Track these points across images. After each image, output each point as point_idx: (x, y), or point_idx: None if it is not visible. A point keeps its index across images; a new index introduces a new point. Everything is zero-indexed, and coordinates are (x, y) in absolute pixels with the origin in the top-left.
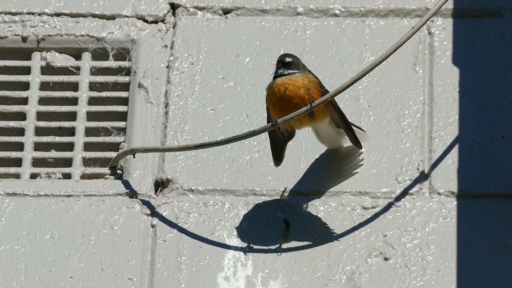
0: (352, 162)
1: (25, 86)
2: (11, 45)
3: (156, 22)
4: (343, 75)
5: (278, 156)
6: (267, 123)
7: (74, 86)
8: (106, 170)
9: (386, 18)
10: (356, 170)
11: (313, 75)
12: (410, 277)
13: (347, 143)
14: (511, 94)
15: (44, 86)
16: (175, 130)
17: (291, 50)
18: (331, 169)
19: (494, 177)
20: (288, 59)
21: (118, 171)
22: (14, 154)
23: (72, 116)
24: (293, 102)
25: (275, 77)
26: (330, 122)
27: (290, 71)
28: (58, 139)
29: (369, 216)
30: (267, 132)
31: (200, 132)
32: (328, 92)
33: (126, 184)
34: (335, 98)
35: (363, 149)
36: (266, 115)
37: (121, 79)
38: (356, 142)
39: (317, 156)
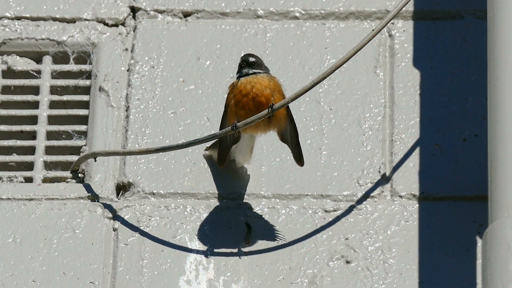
0: (313, 165)
1: None
2: None
3: (116, 25)
4: (303, 78)
5: (223, 157)
6: (221, 122)
7: (35, 90)
8: (67, 173)
9: (346, 20)
10: (317, 173)
11: (278, 80)
12: (372, 280)
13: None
14: (472, 97)
15: (5, 89)
16: (136, 134)
17: (251, 52)
18: (292, 172)
19: (455, 180)
20: (252, 59)
21: (79, 175)
22: None
23: (33, 120)
24: (257, 101)
25: (239, 77)
26: (277, 133)
27: (255, 70)
28: (19, 142)
29: (330, 219)
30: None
31: (161, 135)
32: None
33: (88, 188)
34: (290, 110)
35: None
36: None
37: (82, 82)
38: (300, 159)
39: (278, 159)
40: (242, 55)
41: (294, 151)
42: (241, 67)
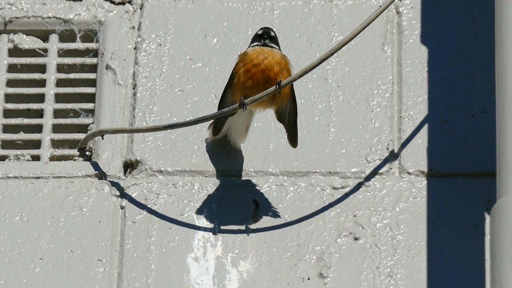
0: (321, 142)
1: None
2: None
3: (123, 3)
4: (311, 55)
5: (219, 127)
6: (224, 90)
7: (42, 68)
8: (75, 151)
9: None
10: (326, 150)
11: (289, 60)
12: (380, 256)
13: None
14: (480, 73)
15: (12, 68)
16: (143, 111)
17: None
18: (300, 149)
19: (463, 157)
20: (273, 34)
21: (87, 153)
22: None
23: (40, 98)
24: (266, 74)
25: (254, 46)
26: (274, 112)
27: (273, 45)
28: (26, 121)
29: (339, 196)
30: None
31: (169, 113)
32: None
33: (95, 166)
34: (294, 90)
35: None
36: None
37: (89, 60)
38: (294, 140)
39: (286, 137)
40: (263, 27)
41: (289, 131)
42: (261, 37)
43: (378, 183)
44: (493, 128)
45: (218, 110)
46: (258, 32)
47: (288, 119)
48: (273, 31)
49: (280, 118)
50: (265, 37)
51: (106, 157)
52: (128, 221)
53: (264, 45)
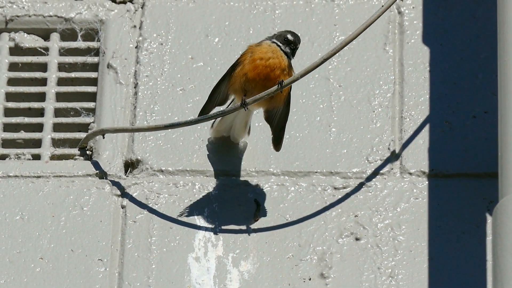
0: (322, 142)
1: None
2: None
3: (124, 2)
4: (313, 55)
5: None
6: (223, 77)
7: (43, 67)
8: (75, 151)
9: None
10: (327, 150)
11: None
12: (382, 257)
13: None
14: (482, 74)
15: (12, 67)
16: (144, 111)
17: (260, 30)
18: (301, 149)
19: (465, 157)
20: (299, 45)
21: (87, 152)
22: None
23: (41, 97)
24: (267, 71)
25: (273, 43)
26: (264, 111)
27: (288, 52)
28: (27, 120)
29: (340, 196)
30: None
31: (170, 112)
32: None
33: (96, 165)
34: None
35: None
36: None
37: (90, 59)
38: (278, 143)
39: (287, 136)
40: (293, 33)
41: (276, 134)
42: (289, 43)
43: (379, 183)
44: (494, 129)
45: (208, 99)
46: (289, 36)
47: (278, 121)
48: (300, 43)
49: (268, 119)
50: (292, 47)
51: (107, 157)
52: (129, 220)
53: (285, 51)
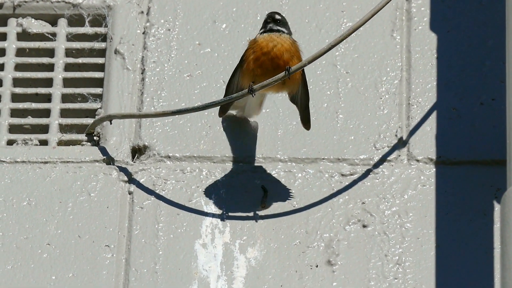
0: (329, 129)
1: (1, 52)
2: None
3: None
4: (320, 41)
5: (224, 108)
6: (232, 74)
7: (50, 52)
8: (83, 136)
9: None
10: (334, 137)
11: (298, 45)
12: (389, 244)
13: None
14: (490, 61)
15: (20, 52)
16: (151, 97)
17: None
18: (309, 135)
19: (472, 144)
20: (278, 16)
21: (95, 138)
22: None
23: (49, 82)
24: (276, 62)
25: (262, 32)
26: (287, 94)
27: (280, 28)
28: (34, 105)
29: (347, 183)
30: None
31: (177, 98)
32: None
33: (103, 151)
34: (305, 75)
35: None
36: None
37: (97, 45)
38: (307, 122)
39: (294, 123)
40: (268, 12)
41: (302, 114)
42: (266, 22)
43: (386, 170)
44: (502, 116)
45: (225, 92)
46: (265, 18)
47: (301, 102)
48: (278, 14)
49: (293, 99)
50: (269, 21)
51: (114, 142)
52: (136, 206)
53: (270, 30)
